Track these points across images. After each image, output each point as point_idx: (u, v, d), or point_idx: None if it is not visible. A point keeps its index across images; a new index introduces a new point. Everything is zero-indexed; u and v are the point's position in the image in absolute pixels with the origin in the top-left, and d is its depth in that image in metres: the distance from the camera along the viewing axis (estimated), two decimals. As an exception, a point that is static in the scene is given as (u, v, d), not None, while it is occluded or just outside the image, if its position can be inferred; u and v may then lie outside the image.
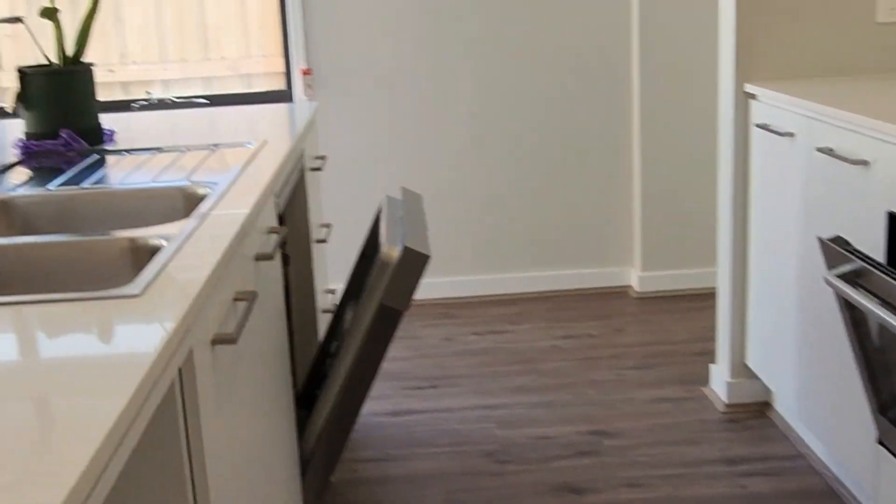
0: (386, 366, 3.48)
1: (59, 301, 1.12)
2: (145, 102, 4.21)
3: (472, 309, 4.01)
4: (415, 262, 1.97)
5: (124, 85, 4.68)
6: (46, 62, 2.26)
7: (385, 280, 1.99)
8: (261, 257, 1.66)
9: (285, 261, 2.46)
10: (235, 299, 1.43)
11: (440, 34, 3.93)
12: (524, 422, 2.99)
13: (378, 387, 3.31)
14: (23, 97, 2.21)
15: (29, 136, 2.24)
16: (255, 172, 1.87)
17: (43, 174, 2.02)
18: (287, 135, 2.31)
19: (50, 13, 2.19)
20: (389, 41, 3.93)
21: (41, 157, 2.19)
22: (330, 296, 2.98)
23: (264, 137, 2.29)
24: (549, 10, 3.93)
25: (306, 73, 3.92)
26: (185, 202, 1.81)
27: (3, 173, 2.04)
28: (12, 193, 1.82)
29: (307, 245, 2.53)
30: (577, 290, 4.14)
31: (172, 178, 1.91)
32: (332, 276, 3.67)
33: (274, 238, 1.79)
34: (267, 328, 1.72)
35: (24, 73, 2.20)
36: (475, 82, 3.98)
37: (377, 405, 3.17)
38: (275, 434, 1.78)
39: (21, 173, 2.04)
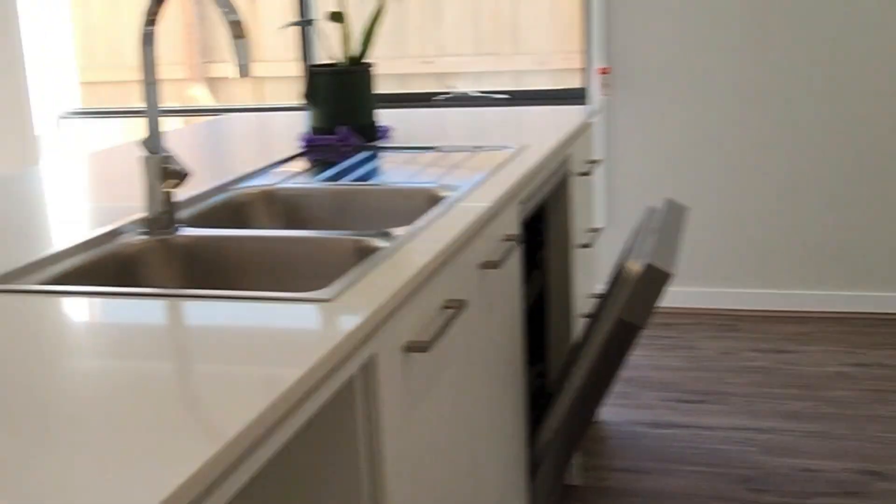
0: (657, 375, 3.41)
1: (255, 299, 1.22)
2: (447, 96, 4.37)
3: (757, 323, 3.83)
4: (656, 280, 1.92)
5: (439, 76, 4.89)
6: (332, 62, 2.41)
7: (625, 295, 1.95)
8: (487, 265, 1.69)
9: (538, 265, 2.48)
10: (445, 307, 1.47)
11: (744, 38, 3.77)
12: (790, 450, 2.83)
13: (643, 396, 3.26)
14: (309, 94, 2.38)
15: (313, 130, 2.41)
16: (502, 178, 1.91)
17: (316, 167, 2.17)
18: (552, 139, 2.32)
19: (337, 16, 2.34)
20: (691, 43, 3.82)
21: (320, 151, 2.35)
22: (594, 301, 2.97)
23: (528, 141, 2.32)
24: (869, 9, 3.65)
25: (604, 72, 3.90)
26: (429, 204, 1.87)
27: (283, 163, 2.22)
28: (278, 185, 1.98)
29: (568, 250, 2.54)
30: (877, 314, 3.84)
31: (427, 178, 1.98)
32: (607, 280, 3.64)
33: (509, 246, 1.81)
34: (488, 336, 1.75)
35: (312, 72, 2.36)
36: (776, 86, 3.78)
37: (639, 414, 3.12)
38: (494, 439, 1.82)
39: (298, 165, 2.21)
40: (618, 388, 3.33)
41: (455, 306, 1.47)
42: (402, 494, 1.31)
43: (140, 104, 4.96)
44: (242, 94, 5.18)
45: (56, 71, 4.81)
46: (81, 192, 2.02)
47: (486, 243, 1.74)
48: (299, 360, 1.01)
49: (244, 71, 1.54)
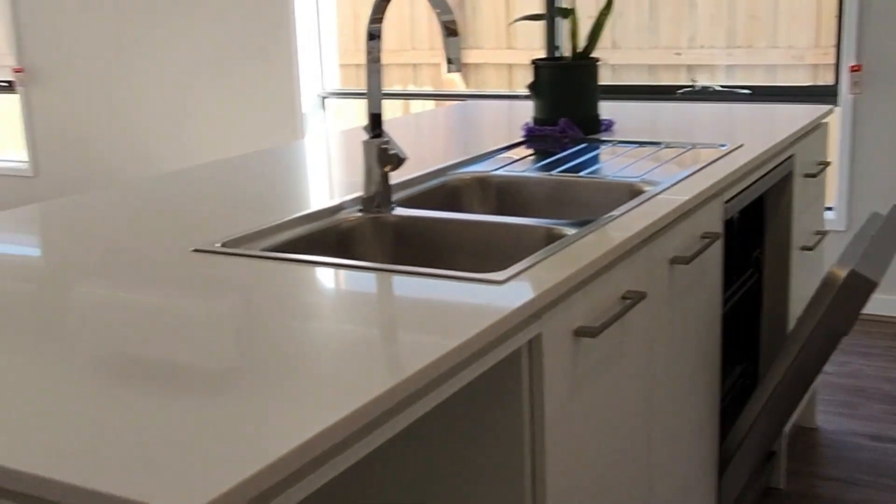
0: (887, 387, 3.28)
1: (441, 277, 1.34)
2: (690, 90, 4.34)
3: None
4: (860, 287, 1.89)
5: (690, 68, 4.86)
6: (557, 56, 2.51)
7: (827, 299, 1.94)
8: (677, 260, 1.74)
9: (754, 264, 2.47)
10: (623, 297, 1.54)
11: None
12: None
13: (869, 407, 3.15)
14: (534, 86, 2.48)
15: (535, 120, 2.52)
16: (706, 176, 1.94)
17: (534, 156, 2.28)
18: (771, 139, 2.31)
19: (566, 12, 2.43)
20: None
21: (540, 141, 2.45)
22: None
23: (750, 139, 2.32)
24: None
25: (855, 69, 3.76)
26: (629, 198, 1.93)
27: (504, 151, 2.34)
28: (492, 172, 2.10)
29: (787, 251, 2.51)
30: None
31: (634, 172, 2.04)
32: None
33: (705, 243, 1.85)
34: (676, 331, 1.80)
35: (537, 65, 2.47)
36: None
37: (861, 425, 3.02)
38: (679, 433, 1.86)
39: (517, 153, 2.32)
40: (842, 397, 3.23)
41: (632, 297, 1.53)
42: (563, 469, 1.40)
43: (394, 86, 5.25)
44: (495, 80, 5.35)
45: (321, 54, 5.18)
46: (321, 167, 2.23)
47: (682, 239, 1.78)
48: (462, 330, 1.13)
49: (457, 66, 1.67)
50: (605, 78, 4.89)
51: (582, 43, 2.47)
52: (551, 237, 1.63)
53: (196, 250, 1.53)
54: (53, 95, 6.00)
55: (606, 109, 2.84)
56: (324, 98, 5.20)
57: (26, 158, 6.27)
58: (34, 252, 1.63)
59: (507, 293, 1.27)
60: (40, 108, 6.09)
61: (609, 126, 2.57)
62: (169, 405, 0.95)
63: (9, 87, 6.24)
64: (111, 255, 1.53)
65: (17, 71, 6.06)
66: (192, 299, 1.29)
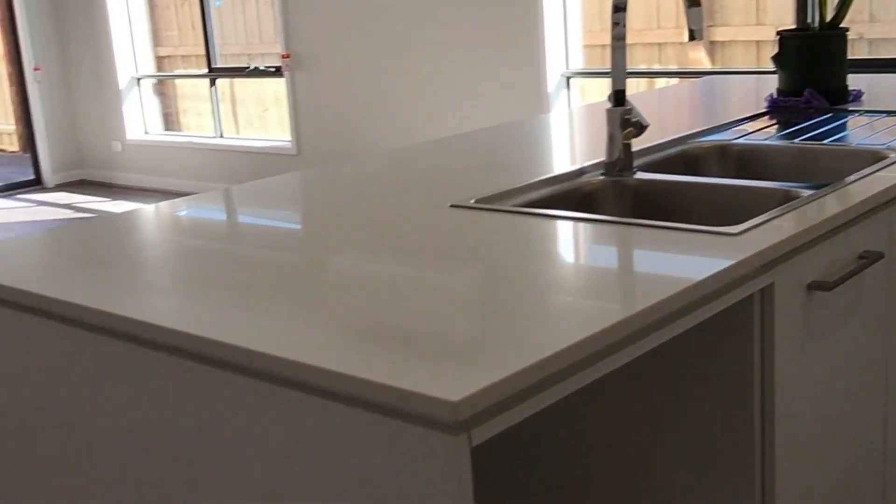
0: None
1: (678, 230, 1.44)
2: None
3: None
4: None
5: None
6: (804, 27, 2.51)
7: None
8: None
9: None
10: (860, 256, 1.58)
11: None
12: None
13: None
14: (778, 57, 2.50)
15: (779, 91, 2.53)
16: (956, 143, 1.91)
17: (778, 126, 2.31)
18: None
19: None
20: None
21: (784, 112, 2.47)
22: None
23: None
24: None
25: None
26: (872, 164, 1.94)
27: (746, 121, 2.38)
28: (732, 140, 2.15)
29: None
30: None
31: (881, 140, 2.04)
32: None
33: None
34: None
35: (782, 36, 2.48)
36: None
37: None
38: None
39: (759, 123, 2.36)
40: None
41: (867, 257, 1.57)
42: (794, 419, 1.47)
43: (639, 66, 5.29)
44: (743, 57, 5.29)
45: (566, 35, 5.31)
46: (564, 137, 2.36)
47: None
48: (695, 273, 1.23)
49: (699, 35, 1.75)
50: (860, 52, 4.74)
51: (830, 13, 2.46)
52: (788, 198, 1.68)
53: (453, 206, 1.70)
54: (315, 79, 6.46)
55: (858, 82, 2.80)
56: (568, 78, 5.33)
57: (290, 138, 6.78)
58: (307, 209, 1.86)
59: (741, 243, 1.35)
60: (303, 91, 6.57)
61: (858, 96, 2.54)
62: (439, 313, 1.12)
63: (277, 73, 6.76)
64: (376, 208, 1.72)
65: (284, 57, 6.55)
66: (452, 242, 1.46)
